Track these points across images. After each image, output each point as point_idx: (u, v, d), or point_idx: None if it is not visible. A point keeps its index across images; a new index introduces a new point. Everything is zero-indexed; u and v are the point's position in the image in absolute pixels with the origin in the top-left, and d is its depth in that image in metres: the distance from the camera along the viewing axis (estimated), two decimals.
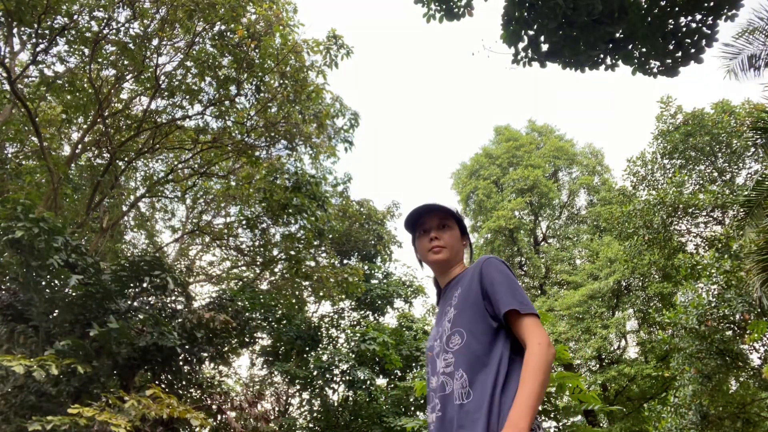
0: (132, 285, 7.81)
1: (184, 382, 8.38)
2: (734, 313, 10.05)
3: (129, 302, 7.77)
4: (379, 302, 15.61)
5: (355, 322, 15.77)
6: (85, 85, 10.86)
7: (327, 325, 15.39)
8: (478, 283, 1.70)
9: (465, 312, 1.67)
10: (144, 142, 11.63)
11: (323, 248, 13.65)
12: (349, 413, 13.33)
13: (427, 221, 1.87)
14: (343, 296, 13.91)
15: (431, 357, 1.76)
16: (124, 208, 13.16)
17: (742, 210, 9.16)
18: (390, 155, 77.75)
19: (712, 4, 5.23)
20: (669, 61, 5.50)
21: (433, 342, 1.78)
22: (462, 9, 6.13)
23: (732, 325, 10.60)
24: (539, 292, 20.41)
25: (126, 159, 11.94)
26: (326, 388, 13.43)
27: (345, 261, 16.03)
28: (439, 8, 6.12)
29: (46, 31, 9.50)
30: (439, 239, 1.84)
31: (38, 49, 9.74)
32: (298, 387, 13.95)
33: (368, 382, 12.65)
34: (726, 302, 10.13)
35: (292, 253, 11.62)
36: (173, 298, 8.56)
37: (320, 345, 14.53)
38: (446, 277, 1.88)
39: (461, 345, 1.63)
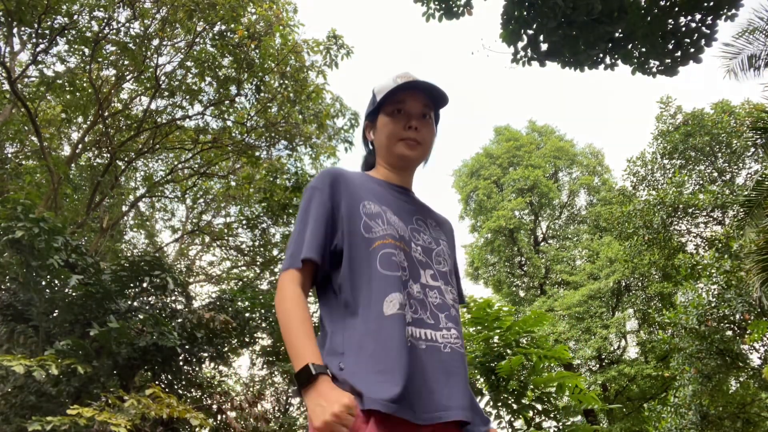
0: (132, 285, 7.80)
1: (184, 382, 8.37)
2: (734, 313, 10.06)
3: (129, 302, 7.77)
4: None
5: None
6: (85, 85, 10.86)
7: None
8: (454, 255, 1.54)
9: (451, 268, 1.47)
10: (144, 142, 11.63)
11: None
12: None
13: (410, 101, 1.47)
14: None
15: (407, 252, 1.35)
16: (124, 208, 13.17)
17: (742, 210, 9.18)
18: None
19: (711, 3, 5.24)
20: (668, 60, 5.51)
21: (406, 234, 1.38)
22: (461, 8, 6.14)
23: (732, 325, 10.61)
24: (539, 292, 20.41)
25: (126, 159, 11.94)
26: None
27: None
28: (438, 7, 6.12)
29: (46, 31, 9.50)
30: (420, 132, 1.47)
31: (38, 49, 9.74)
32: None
33: None
34: (726, 302, 10.13)
35: None
36: (173, 298, 8.56)
37: None
38: (400, 176, 1.52)
39: (456, 294, 1.43)
